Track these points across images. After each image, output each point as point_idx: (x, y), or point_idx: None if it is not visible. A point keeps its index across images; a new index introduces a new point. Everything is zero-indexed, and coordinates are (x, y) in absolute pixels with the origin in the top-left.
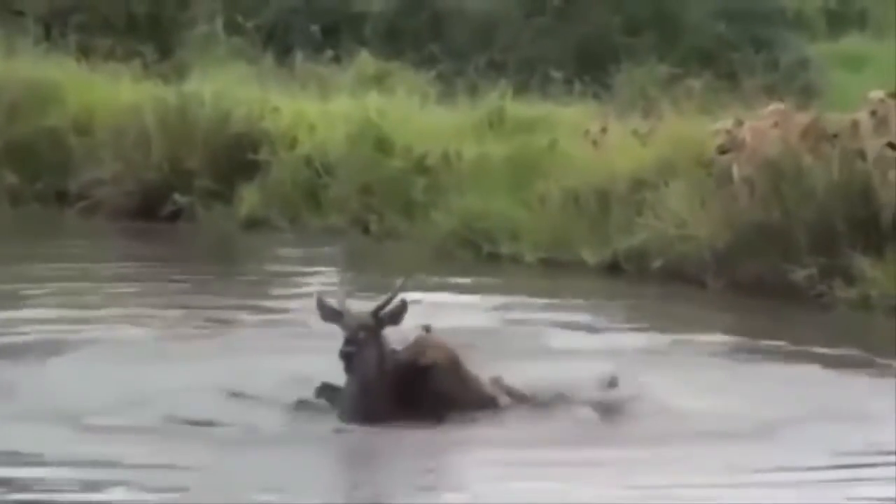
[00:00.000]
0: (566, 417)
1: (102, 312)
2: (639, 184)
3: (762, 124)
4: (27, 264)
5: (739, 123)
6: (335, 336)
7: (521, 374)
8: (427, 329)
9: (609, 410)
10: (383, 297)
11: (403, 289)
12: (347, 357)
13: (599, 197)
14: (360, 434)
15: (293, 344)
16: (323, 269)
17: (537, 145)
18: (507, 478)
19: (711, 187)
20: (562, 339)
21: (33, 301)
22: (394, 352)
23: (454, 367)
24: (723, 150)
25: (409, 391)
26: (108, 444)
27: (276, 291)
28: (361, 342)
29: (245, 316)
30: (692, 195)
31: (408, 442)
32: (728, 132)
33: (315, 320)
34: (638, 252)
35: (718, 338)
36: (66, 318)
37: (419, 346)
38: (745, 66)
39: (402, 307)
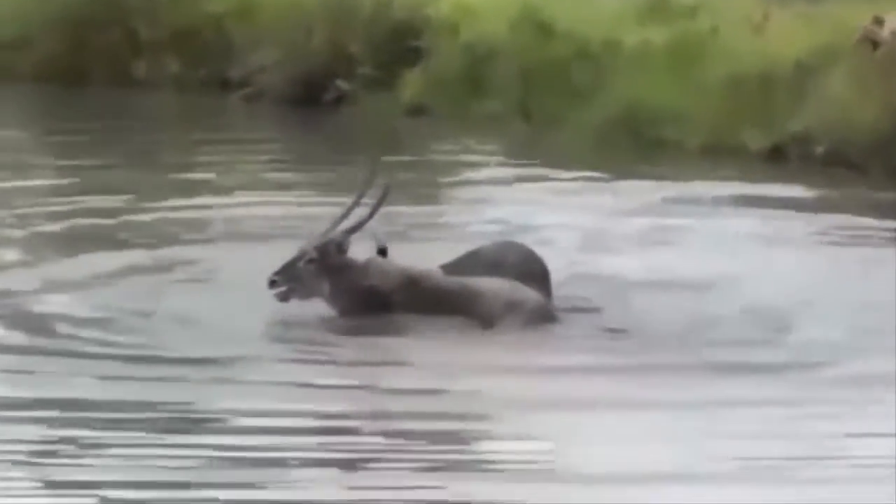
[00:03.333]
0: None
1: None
2: (801, 69)
3: None
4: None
5: None
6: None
7: None
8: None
9: None
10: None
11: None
12: (271, 285)
13: (762, 82)
14: None
15: None
16: (486, 158)
17: (699, 31)
18: None
19: (875, 72)
20: None
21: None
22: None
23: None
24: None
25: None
26: None
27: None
28: (298, 274)
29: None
30: (855, 80)
31: None
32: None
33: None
34: (800, 137)
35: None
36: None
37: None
38: None
39: (343, 239)
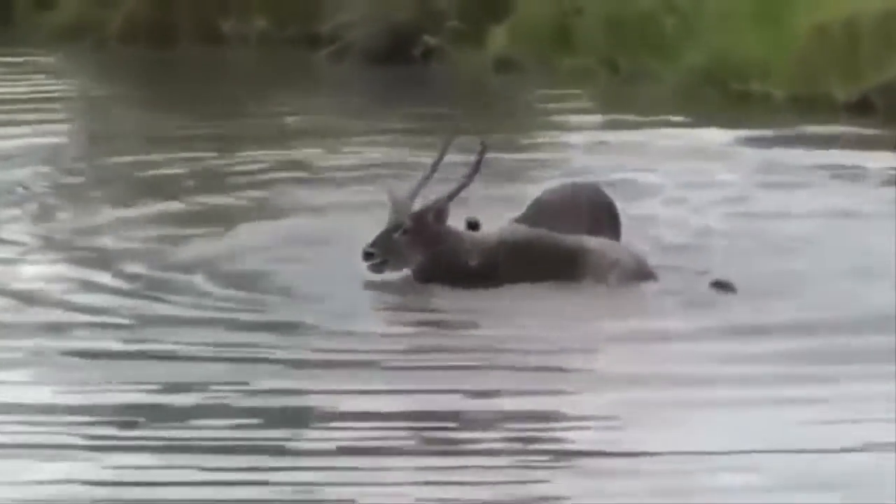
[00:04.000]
0: None
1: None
2: (889, 17)
3: None
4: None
5: None
6: None
7: None
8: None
9: None
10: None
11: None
12: (366, 258)
13: (849, 31)
14: None
15: None
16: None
17: None
18: None
19: None
20: None
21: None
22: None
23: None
24: None
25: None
26: None
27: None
28: (393, 246)
29: None
30: None
31: None
32: None
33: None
34: (888, 88)
35: None
36: None
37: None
38: None
39: (443, 206)
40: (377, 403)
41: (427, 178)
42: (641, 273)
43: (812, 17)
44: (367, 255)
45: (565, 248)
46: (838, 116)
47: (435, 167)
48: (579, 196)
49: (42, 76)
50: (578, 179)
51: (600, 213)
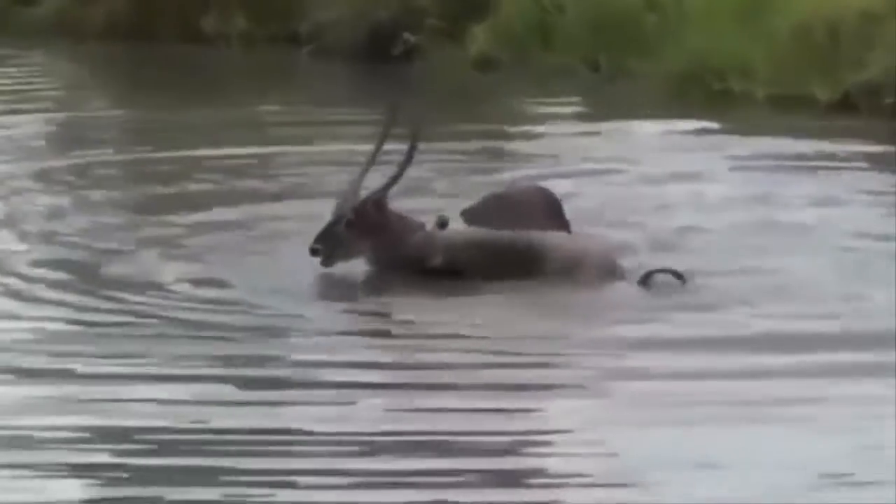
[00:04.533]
0: None
1: None
2: (869, 18)
3: None
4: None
5: None
6: None
7: None
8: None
9: None
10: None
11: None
12: (313, 253)
13: (830, 31)
14: None
15: None
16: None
17: None
18: None
19: None
20: None
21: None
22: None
23: None
24: None
25: None
26: None
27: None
28: (338, 239)
29: None
30: None
31: None
32: None
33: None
34: (869, 88)
35: None
36: None
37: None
38: None
39: (380, 196)
40: None
41: (366, 171)
42: (612, 271)
43: (793, 17)
44: (314, 252)
45: (527, 245)
46: (819, 114)
47: (373, 159)
48: (528, 194)
49: (19, 72)
50: (523, 179)
51: (552, 211)
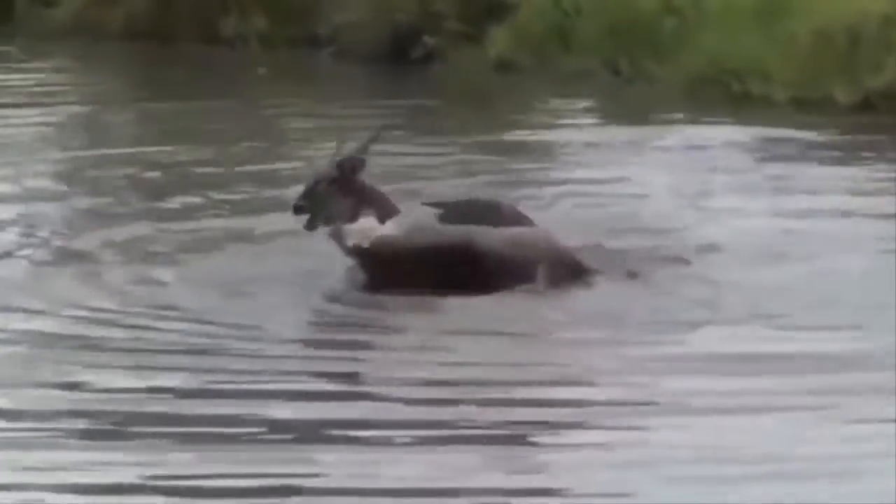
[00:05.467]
0: None
1: None
2: (889, 22)
3: None
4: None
5: None
6: None
7: None
8: None
9: None
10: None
11: (375, 139)
12: (296, 211)
13: (850, 35)
14: None
15: None
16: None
17: None
18: None
19: None
20: None
21: None
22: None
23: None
24: None
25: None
26: None
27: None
28: (321, 198)
29: None
30: None
31: None
32: None
33: None
34: (888, 91)
35: None
36: None
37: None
38: None
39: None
40: None
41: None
42: (574, 271)
43: (812, 21)
44: (297, 209)
45: (473, 240)
46: (840, 118)
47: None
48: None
49: (41, 73)
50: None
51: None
